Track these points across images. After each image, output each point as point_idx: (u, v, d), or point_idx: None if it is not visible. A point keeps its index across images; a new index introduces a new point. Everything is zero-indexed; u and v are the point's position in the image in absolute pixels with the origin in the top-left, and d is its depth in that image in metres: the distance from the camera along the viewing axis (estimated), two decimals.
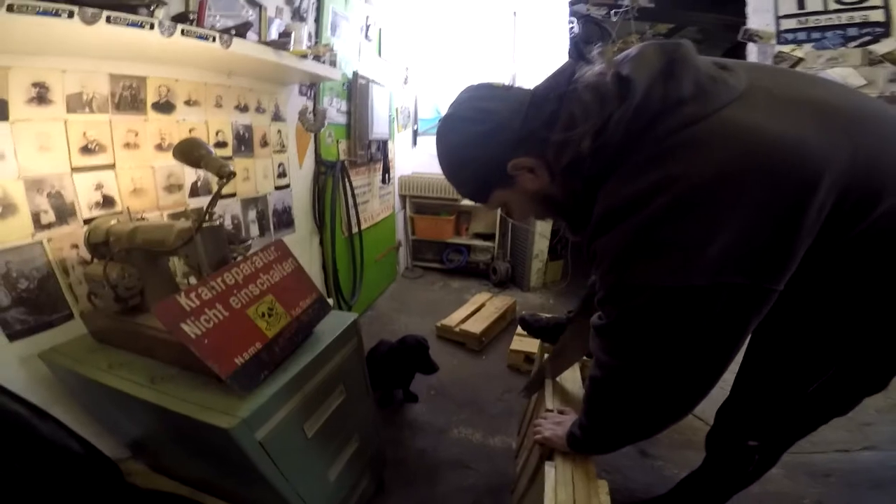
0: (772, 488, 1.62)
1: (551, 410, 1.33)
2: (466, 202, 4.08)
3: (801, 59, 2.45)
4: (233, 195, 1.92)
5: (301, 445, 1.16)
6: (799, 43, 2.49)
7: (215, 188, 1.00)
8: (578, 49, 0.84)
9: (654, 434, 0.94)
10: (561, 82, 0.81)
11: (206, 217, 1.00)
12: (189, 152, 1.04)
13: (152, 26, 1.16)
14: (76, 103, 1.24)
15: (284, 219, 2.34)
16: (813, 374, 0.96)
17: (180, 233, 1.01)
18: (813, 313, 0.87)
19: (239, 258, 1.07)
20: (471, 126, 0.87)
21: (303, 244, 2.57)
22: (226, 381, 0.89)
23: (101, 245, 1.14)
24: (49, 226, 1.19)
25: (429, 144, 4.28)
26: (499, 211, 3.93)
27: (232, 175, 1.01)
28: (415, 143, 4.40)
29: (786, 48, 2.50)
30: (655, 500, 1.64)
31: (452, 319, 3.19)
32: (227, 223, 1.89)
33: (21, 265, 1.13)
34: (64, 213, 1.22)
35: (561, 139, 0.77)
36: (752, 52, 2.62)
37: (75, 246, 1.24)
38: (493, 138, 0.84)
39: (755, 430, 1.17)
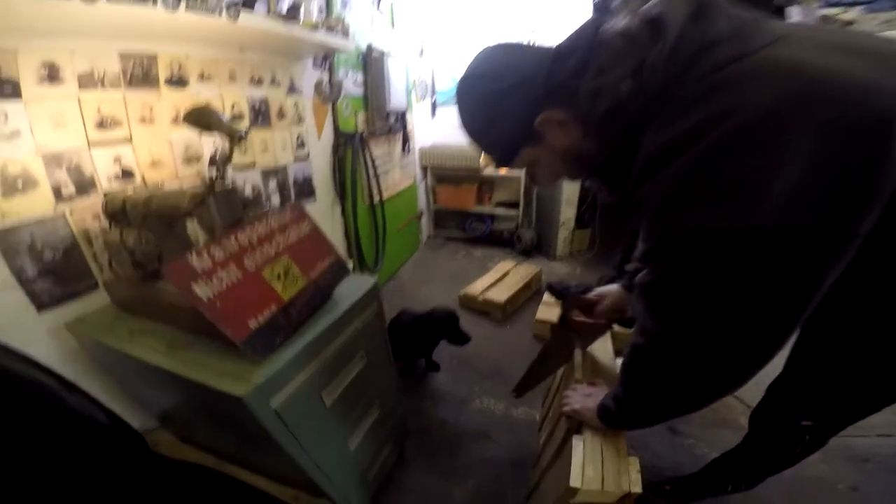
0: (807, 472, 1.56)
1: (581, 381, 1.28)
2: (489, 171, 4.09)
3: (851, 22, 2.25)
4: (252, 166, 1.93)
5: (319, 414, 1.15)
6: (846, 6, 2.28)
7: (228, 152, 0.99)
8: (603, 4, 0.78)
9: (699, 409, 0.86)
10: (587, 33, 0.75)
11: (218, 178, 0.99)
12: (199, 118, 1.03)
13: (155, 1, 1.14)
14: (88, 81, 1.24)
15: (305, 189, 2.36)
16: (886, 349, 0.84)
17: (193, 196, 1.00)
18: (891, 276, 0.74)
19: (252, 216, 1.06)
20: (491, 84, 0.82)
21: (324, 213, 2.59)
22: (239, 346, 0.88)
23: (118, 213, 1.14)
24: (70, 198, 1.21)
25: (448, 115, 4.27)
26: (522, 179, 4.04)
27: (244, 137, 1.00)
28: (434, 114, 4.35)
29: (832, 10, 2.31)
30: (686, 478, 1.61)
31: (476, 288, 3.15)
32: (248, 193, 1.92)
33: (45, 237, 1.16)
34: (84, 185, 1.24)
35: (593, 87, 0.72)
36: (794, 16, 2.46)
37: (97, 217, 1.26)
38: (516, 94, 0.80)
39: (812, 409, 1.08)
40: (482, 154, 3.92)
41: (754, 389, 1.17)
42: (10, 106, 1.07)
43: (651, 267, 0.75)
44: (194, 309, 0.84)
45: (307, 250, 1.14)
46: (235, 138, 0.99)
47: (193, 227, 1.14)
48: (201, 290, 0.85)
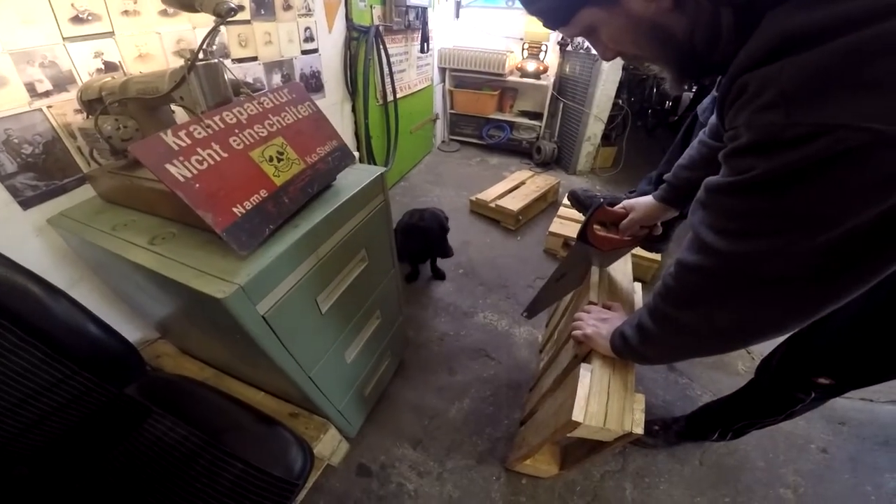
0: (784, 427, 1.59)
1: (596, 303, 1.18)
2: (513, 78, 3.93)
3: None
4: (254, 59, 1.82)
5: (314, 322, 1.07)
6: None
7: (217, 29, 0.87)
8: None
9: (735, 350, 0.75)
10: None
11: (201, 54, 0.86)
12: None
13: None
14: None
15: (313, 83, 2.30)
16: None
17: (173, 74, 0.89)
18: None
19: (243, 98, 0.94)
20: None
21: (334, 110, 2.54)
22: (221, 234, 0.77)
23: (95, 101, 1.05)
24: (47, 94, 1.14)
25: (473, 18, 4.08)
26: (549, 89, 3.86)
27: (231, 12, 0.86)
28: (457, 14, 4.11)
29: None
30: (676, 420, 1.62)
31: (488, 194, 3.08)
32: None
33: (22, 131, 1.10)
34: (62, 80, 1.16)
35: None
36: None
37: (80, 111, 1.18)
38: None
39: (834, 367, 1.03)
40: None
41: None
42: None
43: (742, 165, 0.58)
44: (174, 194, 0.73)
45: (306, 132, 1.01)
46: (222, 14, 0.85)
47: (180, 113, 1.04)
48: (176, 170, 0.74)
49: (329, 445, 1.35)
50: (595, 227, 1.22)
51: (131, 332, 1.45)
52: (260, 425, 1.07)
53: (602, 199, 1.49)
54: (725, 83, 0.61)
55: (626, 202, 1.24)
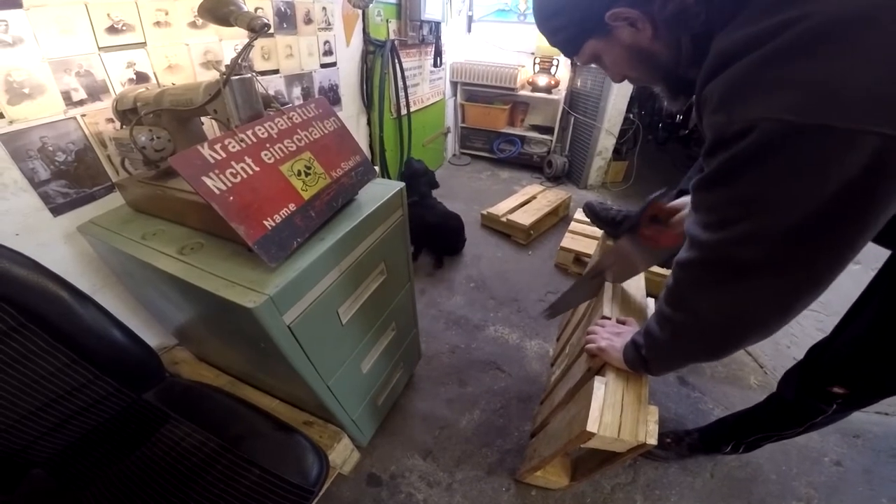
0: (798, 440, 1.55)
1: (609, 318, 1.20)
2: (524, 92, 3.95)
3: None
4: (276, 72, 1.85)
5: (334, 332, 1.09)
6: None
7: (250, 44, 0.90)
8: None
9: (733, 350, 0.77)
10: None
11: (235, 69, 0.89)
12: (216, 9, 0.92)
13: None
14: None
15: (331, 97, 2.33)
16: None
17: (207, 87, 0.92)
18: None
19: (273, 112, 0.97)
20: None
21: (350, 122, 2.56)
22: (252, 247, 0.80)
23: (129, 112, 1.08)
24: (81, 102, 1.17)
25: (485, 32, 4.11)
26: (561, 103, 3.91)
27: (265, 28, 0.89)
28: (469, 29, 4.15)
29: None
30: (689, 433, 1.62)
31: (499, 209, 3.09)
32: None
33: (56, 139, 1.13)
34: (95, 90, 1.19)
35: None
36: None
37: (111, 120, 1.22)
38: None
39: (848, 376, 1.05)
40: (531, 67, 3.91)
41: (772, 352, 1.10)
42: (9, 14, 1.00)
43: (710, 162, 0.66)
44: (206, 206, 0.76)
45: (331, 147, 1.04)
46: (256, 29, 0.89)
47: (214, 129, 1.06)
48: (212, 182, 0.76)
49: (342, 454, 1.36)
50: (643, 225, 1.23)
51: (150, 339, 1.44)
52: (278, 432, 1.09)
53: (616, 213, 1.51)
54: (696, 97, 0.70)
55: (674, 202, 1.23)
